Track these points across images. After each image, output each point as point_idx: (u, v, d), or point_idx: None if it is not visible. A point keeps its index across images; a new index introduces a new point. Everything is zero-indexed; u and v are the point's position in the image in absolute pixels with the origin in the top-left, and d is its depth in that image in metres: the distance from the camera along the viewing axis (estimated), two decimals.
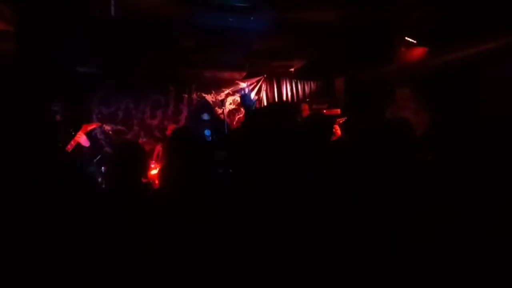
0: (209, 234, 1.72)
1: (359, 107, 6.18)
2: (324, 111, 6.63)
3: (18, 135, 1.91)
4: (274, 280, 1.51)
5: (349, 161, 2.25)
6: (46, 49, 4.13)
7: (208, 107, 7.24)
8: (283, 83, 7.84)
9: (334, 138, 4.56)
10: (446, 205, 1.55)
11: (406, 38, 5.06)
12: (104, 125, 6.61)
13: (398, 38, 5.08)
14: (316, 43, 5.53)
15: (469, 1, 3.88)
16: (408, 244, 1.55)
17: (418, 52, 5.20)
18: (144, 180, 2.49)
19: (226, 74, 7.31)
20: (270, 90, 7.76)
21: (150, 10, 4.11)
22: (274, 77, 7.76)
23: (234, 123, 7.49)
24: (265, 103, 7.70)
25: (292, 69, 7.34)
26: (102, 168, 5.23)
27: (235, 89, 7.57)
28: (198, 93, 7.31)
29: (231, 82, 7.51)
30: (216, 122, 6.93)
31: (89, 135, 4.64)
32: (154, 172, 5.07)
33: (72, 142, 4.30)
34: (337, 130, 5.15)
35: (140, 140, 6.58)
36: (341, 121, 5.54)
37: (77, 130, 4.51)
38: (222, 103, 6.90)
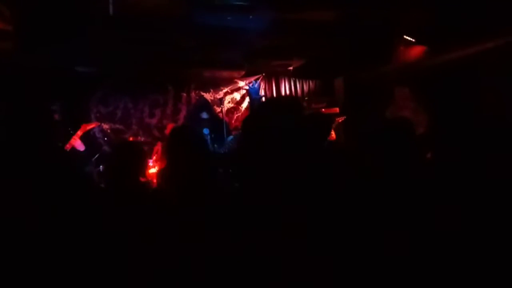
0: (210, 235, 1.72)
1: (358, 107, 6.18)
2: (323, 110, 6.62)
3: (17, 134, 1.90)
4: (276, 281, 1.51)
5: (349, 160, 2.25)
6: (45, 48, 4.13)
7: (207, 106, 7.25)
8: (282, 82, 7.83)
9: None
10: (446, 205, 1.55)
11: (405, 36, 5.06)
12: (103, 124, 6.60)
13: (397, 37, 5.09)
14: (315, 42, 5.53)
15: (470, 1, 3.88)
16: (408, 244, 1.55)
17: (417, 51, 5.20)
18: (142, 179, 2.49)
19: (225, 73, 7.30)
20: (268, 88, 7.75)
21: (149, 9, 4.11)
22: (273, 76, 7.74)
23: (233, 121, 7.49)
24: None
25: (291, 68, 7.34)
26: (101, 167, 5.22)
27: (233, 88, 7.56)
28: (197, 92, 7.31)
29: (229, 81, 7.50)
30: (215, 120, 6.94)
31: (87, 134, 4.63)
32: (152, 171, 5.06)
33: (68, 145, 4.28)
34: (332, 133, 5.13)
35: (139, 139, 6.59)
36: (340, 120, 5.53)
37: (75, 129, 4.50)
38: (220, 101, 6.92)
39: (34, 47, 4.00)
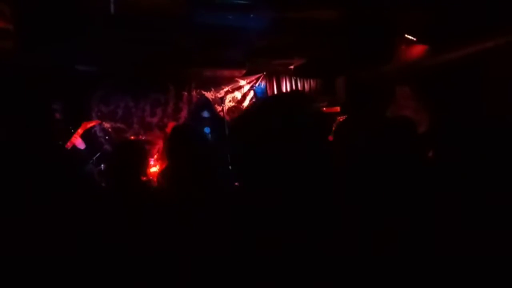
0: (211, 234, 1.72)
1: (359, 106, 6.18)
2: (324, 109, 6.62)
3: (18, 133, 1.91)
4: (276, 281, 1.51)
5: (349, 160, 2.25)
6: (45, 47, 4.13)
7: (208, 105, 7.25)
8: (283, 81, 7.83)
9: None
10: (447, 204, 1.55)
11: (406, 35, 5.06)
12: (104, 123, 6.61)
13: (398, 36, 5.08)
14: (316, 41, 5.52)
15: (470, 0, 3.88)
16: (408, 244, 1.55)
17: (418, 50, 5.20)
18: (143, 178, 2.49)
19: (226, 72, 7.30)
20: (269, 87, 7.74)
21: (150, 8, 4.11)
22: (274, 75, 7.74)
23: None
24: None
25: (292, 67, 7.34)
26: (102, 166, 5.23)
27: (234, 87, 7.56)
28: (198, 91, 7.31)
29: (230, 80, 7.50)
30: (216, 119, 6.94)
31: (88, 133, 4.63)
32: (154, 170, 5.07)
33: (69, 144, 4.29)
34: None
35: (140, 138, 6.59)
36: (341, 119, 5.53)
37: (76, 128, 4.51)
38: (221, 100, 6.90)
39: (35, 46, 4.00)
